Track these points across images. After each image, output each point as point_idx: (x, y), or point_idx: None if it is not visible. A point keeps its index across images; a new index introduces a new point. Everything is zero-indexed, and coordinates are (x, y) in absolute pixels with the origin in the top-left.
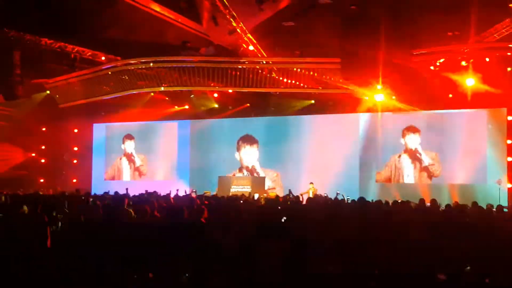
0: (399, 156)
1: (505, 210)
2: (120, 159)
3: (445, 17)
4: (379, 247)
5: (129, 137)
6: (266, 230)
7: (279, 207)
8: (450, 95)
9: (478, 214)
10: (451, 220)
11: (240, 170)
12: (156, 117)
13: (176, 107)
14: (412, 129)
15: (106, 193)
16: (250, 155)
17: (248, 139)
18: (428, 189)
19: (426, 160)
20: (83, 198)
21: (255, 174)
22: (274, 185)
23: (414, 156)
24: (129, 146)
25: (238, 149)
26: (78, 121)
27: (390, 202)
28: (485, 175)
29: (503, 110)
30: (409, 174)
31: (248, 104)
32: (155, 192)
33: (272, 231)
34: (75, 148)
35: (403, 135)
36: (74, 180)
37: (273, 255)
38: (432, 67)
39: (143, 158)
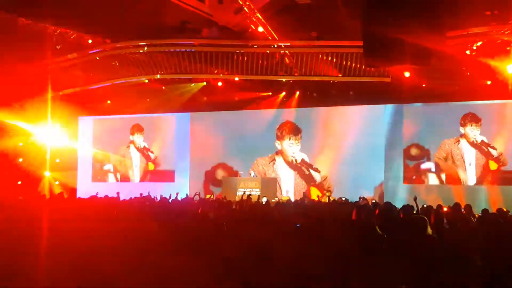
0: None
1: None
2: (124, 156)
3: None
4: None
5: (138, 128)
6: None
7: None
8: (489, 82)
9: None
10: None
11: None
12: (151, 109)
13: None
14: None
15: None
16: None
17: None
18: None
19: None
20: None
21: (304, 170)
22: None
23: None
24: (139, 139)
25: (281, 138)
26: (61, 114)
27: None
28: None
29: None
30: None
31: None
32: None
33: None
34: (58, 146)
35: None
36: (57, 182)
37: None
38: (468, 52)
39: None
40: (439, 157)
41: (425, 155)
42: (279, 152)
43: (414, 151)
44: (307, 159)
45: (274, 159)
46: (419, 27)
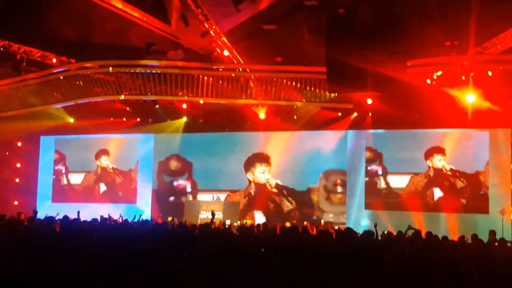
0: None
1: (509, 244)
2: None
3: (443, 25)
4: None
5: (104, 152)
6: None
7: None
8: (449, 112)
9: (478, 249)
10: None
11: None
12: (114, 129)
13: (138, 119)
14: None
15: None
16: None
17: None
18: (423, 218)
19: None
20: None
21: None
22: None
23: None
24: (105, 161)
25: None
26: (22, 133)
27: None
28: (487, 204)
29: (507, 131)
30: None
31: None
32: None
33: None
34: (18, 165)
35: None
36: (16, 202)
37: None
38: (428, 81)
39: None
40: (407, 191)
41: (387, 181)
42: (251, 183)
43: (375, 178)
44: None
45: (250, 193)
46: (381, 55)
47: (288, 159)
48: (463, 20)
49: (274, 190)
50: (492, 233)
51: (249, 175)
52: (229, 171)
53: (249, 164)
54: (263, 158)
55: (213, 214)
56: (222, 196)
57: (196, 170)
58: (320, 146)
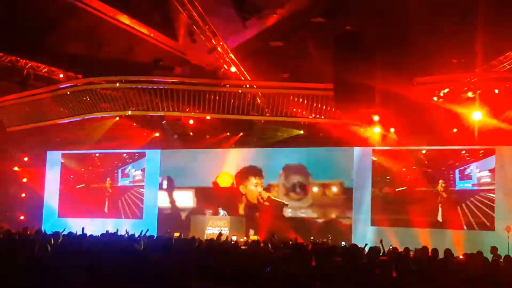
0: None
1: None
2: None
3: (450, 43)
4: None
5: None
6: None
7: None
8: (455, 130)
9: (482, 266)
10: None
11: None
12: (121, 145)
13: (145, 134)
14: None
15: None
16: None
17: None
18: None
19: None
20: None
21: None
22: None
23: None
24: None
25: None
26: (29, 148)
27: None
28: (493, 220)
29: None
30: None
31: (228, 133)
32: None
33: None
34: (24, 180)
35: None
36: (22, 217)
37: None
38: (435, 98)
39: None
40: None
41: (394, 199)
42: (244, 196)
43: (382, 194)
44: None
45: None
46: (388, 72)
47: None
48: (470, 38)
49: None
50: (495, 249)
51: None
52: None
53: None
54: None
55: (220, 235)
56: None
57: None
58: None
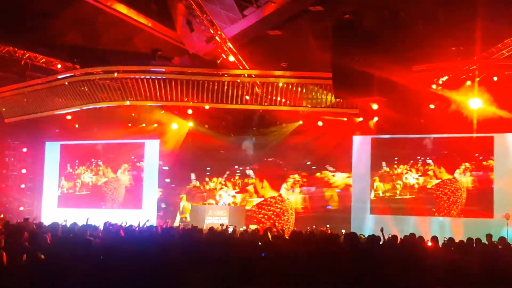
0: None
1: None
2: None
3: (448, 30)
4: None
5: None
6: None
7: None
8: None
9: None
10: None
11: None
12: (119, 135)
13: (143, 124)
14: None
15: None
16: None
17: None
18: (429, 224)
19: None
20: None
21: None
22: None
23: None
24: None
25: None
26: (27, 139)
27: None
28: (491, 208)
29: None
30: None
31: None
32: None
33: None
34: (23, 170)
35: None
36: (21, 208)
37: None
38: (434, 86)
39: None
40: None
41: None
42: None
43: (381, 182)
44: None
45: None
46: (386, 60)
47: None
48: (468, 25)
49: None
50: (489, 236)
51: None
52: None
53: None
54: None
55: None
56: None
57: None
58: None
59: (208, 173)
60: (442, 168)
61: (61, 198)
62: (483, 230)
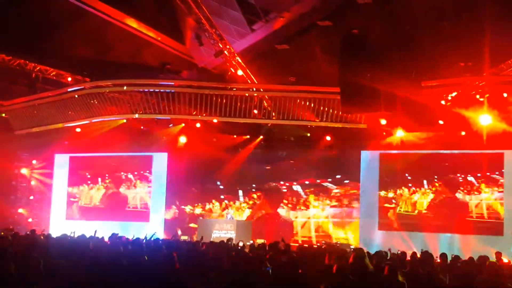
0: None
1: None
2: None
3: (457, 45)
4: None
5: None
6: None
7: None
8: (463, 133)
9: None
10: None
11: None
12: (128, 148)
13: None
14: None
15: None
16: None
17: None
18: (436, 239)
19: None
20: None
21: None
22: None
23: None
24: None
25: None
26: (37, 151)
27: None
28: (501, 225)
29: None
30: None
31: (235, 136)
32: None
33: None
34: (33, 182)
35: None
36: (30, 220)
37: None
38: (443, 102)
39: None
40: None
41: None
42: None
43: (388, 198)
44: None
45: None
46: (395, 76)
47: None
48: (477, 41)
49: None
50: (499, 254)
51: None
52: None
53: None
54: None
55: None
56: None
57: None
58: None
59: (222, 196)
60: (450, 184)
61: (69, 210)
62: (492, 247)
